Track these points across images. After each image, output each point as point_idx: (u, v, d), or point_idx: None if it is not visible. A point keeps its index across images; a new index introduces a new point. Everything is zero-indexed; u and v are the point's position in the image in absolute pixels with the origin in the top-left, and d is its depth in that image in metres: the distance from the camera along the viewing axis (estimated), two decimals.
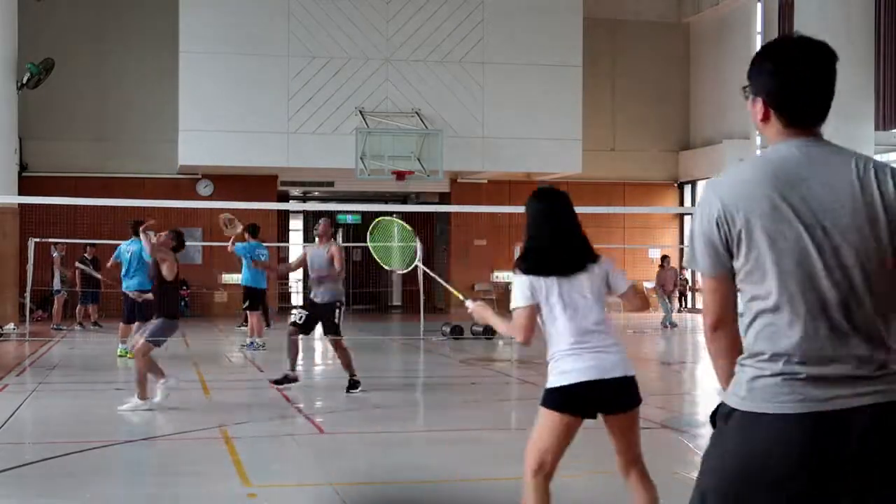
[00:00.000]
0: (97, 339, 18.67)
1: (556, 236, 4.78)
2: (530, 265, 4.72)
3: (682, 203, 29.69)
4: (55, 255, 20.86)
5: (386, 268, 5.13)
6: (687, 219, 29.74)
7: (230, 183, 25.09)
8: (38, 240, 19.71)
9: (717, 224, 2.75)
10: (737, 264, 2.77)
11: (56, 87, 23.83)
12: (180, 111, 23.49)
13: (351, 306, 30.10)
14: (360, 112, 23.84)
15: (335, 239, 11.46)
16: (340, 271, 11.07)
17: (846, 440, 2.64)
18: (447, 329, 19.04)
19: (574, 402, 4.74)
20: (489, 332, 18.69)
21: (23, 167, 24.19)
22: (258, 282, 16.50)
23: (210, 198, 24.96)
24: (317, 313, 11.13)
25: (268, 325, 20.37)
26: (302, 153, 23.90)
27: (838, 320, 2.69)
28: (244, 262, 16.37)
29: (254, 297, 16.51)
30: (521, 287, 4.66)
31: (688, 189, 29.62)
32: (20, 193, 21.77)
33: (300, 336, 11.31)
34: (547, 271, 4.69)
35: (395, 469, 7.61)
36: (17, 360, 15.01)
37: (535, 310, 4.65)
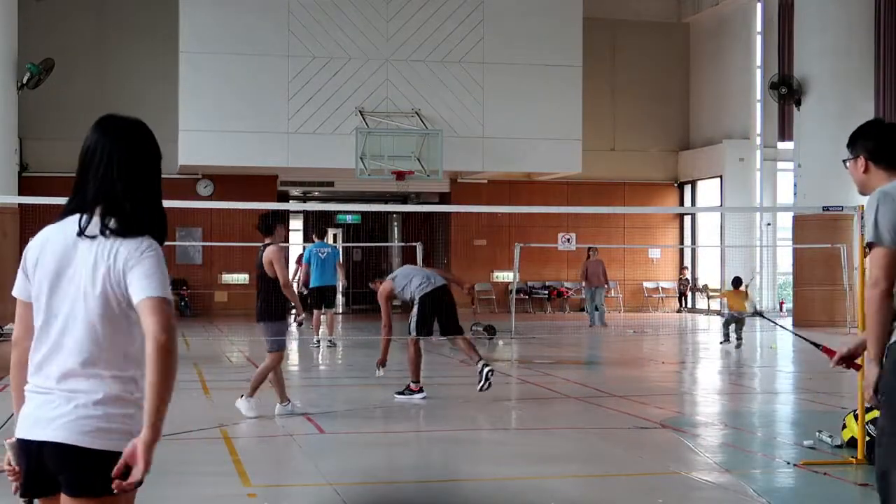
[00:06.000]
0: None
1: None
2: None
3: (682, 203, 29.67)
4: None
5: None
6: (687, 219, 29.74)
7: (230, 183, 25.10)
8: None
9: None
10: None
11: (56, 87, 23.82)
12: (180, 111, 23.48)
13: (351, 306, 30.13)
14: (360, 112, 23.83)
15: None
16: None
17: None
18: None
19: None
20: (489, 331, 18.68)
21: (23, 167, 24.19)
22: (328, 280, 17.00)
23: (210, 198, 24.97)
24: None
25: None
26: (302, 153, 23.90)
27: None
28: (315, 262, 16.80)
29: (327, 296, 17.00)
30: None
31: (688, 189, 29.60)
32: (20, 193, 21.77)
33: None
34: None
35: (395, 469, 7.61)
36: None
37: None
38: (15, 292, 3.15)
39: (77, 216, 3.05)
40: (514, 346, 17.92)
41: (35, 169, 24.87)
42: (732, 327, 17.41)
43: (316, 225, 22.61)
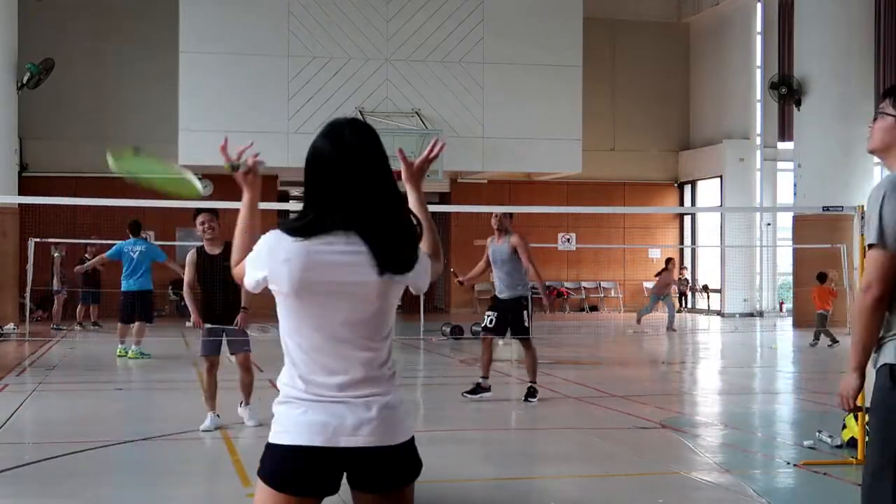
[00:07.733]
0: (97, 339, 18.66)
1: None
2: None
3: (682, 203, 29.67)
4: (56, 255, 20.85)
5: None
6: (687, 219, 29.73)
7: (230, 183, 24.66)
8: (38, 240, 19.70)
9: None
10: None
11: (56, 87, 23.82)
12: (180, 111, 23.48)
13: None
14: (360, 112, 23.82)
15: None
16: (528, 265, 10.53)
17: None
18: (447, 329, 19.04)
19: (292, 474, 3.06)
20: None
21: (23, 167, 24.19)
22: None
23: (210, 198, 24.91)
24: (505, 311, 10.76)
25: None
26: (302, 153, 23.34)
27: None
28: None
29: None
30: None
31: (688, 189, 29.60)
32: (20, 193, 21.77)
33: (493, 340, 11.06)
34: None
35: None
36: (17, 360, 15.00)
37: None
38: (254, 289, 3.12)
39: (345, 237, 3.05)
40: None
41: (35, 169, 24.86)
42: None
43: None
